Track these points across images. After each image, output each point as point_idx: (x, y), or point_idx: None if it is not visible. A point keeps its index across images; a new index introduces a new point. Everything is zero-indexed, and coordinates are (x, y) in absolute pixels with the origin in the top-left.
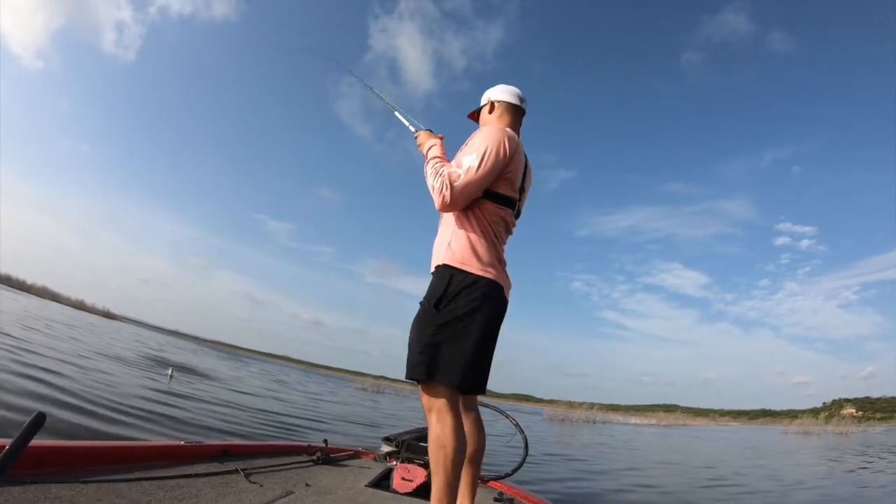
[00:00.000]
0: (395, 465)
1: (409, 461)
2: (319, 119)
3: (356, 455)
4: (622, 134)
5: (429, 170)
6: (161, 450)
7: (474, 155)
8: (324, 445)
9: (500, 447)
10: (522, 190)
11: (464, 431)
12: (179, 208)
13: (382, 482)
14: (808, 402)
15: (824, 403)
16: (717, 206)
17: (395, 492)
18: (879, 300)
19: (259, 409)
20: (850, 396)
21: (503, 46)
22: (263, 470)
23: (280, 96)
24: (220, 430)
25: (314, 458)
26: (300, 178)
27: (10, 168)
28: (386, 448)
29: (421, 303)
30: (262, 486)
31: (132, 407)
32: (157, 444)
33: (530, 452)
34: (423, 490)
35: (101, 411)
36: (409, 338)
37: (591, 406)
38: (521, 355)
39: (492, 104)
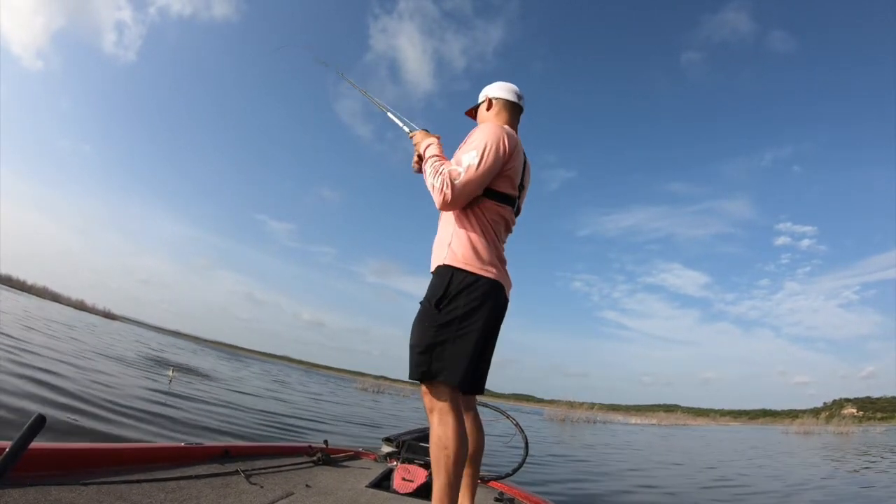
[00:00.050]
0: (396, 465)
1: (410, 462)
2: (320, 119)
3: (357, 456)
4: (622, 134)
5: (428, 168)
6: (161, 451)
7: (474, 153)
8: (324, 446)
9: (500, 447)
10: (522, 187)
11: (466, 432)
12: (180, 208)
13: (383, 483)
14: (808, 401)
15: (825, 403)
16: (717, 205)
17: (396, 492)
18: (880, 300)
19: (259, 410)
20: (851, 396)
21: (503, 46)
22: (264, 471)
23: (280, 96)
24: (220, 431)
25: (315, 458)
26: (301, 178)
27: (10, 168)
28: (386, 448)
29: (421, 303)
30: (262, 487)
31: (132, 408)
32: (158, 445)
33: (531, 452)
34: (424, 490)
35: (102, 413)
36: (411, 338)
37: (592, 406)
38: (521, 355)
39: (490, 101)
